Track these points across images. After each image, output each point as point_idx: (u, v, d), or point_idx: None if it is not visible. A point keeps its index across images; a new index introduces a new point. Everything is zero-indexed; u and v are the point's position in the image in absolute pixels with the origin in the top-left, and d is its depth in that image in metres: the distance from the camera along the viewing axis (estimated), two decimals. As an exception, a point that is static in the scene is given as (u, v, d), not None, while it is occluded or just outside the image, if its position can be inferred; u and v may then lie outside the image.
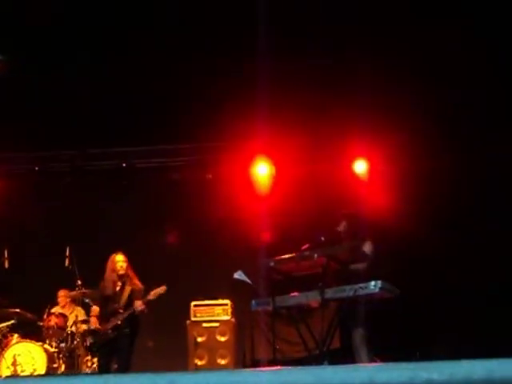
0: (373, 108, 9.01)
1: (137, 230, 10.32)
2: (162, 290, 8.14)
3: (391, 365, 2.27)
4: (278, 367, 2.26)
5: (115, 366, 8.11)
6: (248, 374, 2.19)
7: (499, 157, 9.33)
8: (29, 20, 8.43)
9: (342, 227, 7.82)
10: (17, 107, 9.32)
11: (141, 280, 8.47)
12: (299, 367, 2.24)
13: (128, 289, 8.27)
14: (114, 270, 8.33)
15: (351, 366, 2.27)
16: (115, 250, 8.50)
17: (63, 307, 9.72)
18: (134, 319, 8.22)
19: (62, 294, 9.70)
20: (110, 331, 8.17)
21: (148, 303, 8.19)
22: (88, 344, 8.45)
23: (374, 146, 9.97)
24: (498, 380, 2.21)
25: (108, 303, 8.28)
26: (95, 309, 8.48)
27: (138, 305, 8.11)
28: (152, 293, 8.12)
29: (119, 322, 8.15)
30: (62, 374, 8.84)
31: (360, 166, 10.34)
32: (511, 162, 9.26)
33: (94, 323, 8.41)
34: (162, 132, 10.06)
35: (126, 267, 8.29)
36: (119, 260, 8.34)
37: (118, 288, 8.29)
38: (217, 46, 8.91)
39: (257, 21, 8.01)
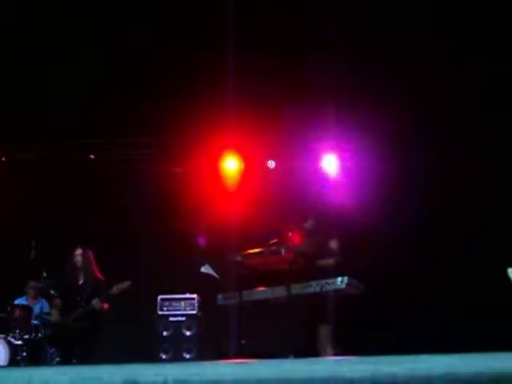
0: (341, 103, 9.02)
1: (104, 222, 10.25)
2: (125, 285, 8.18)
3: (353, 359, 2.27)
4: (240, 360, 2.24)
5: (77, 359, 8.16)
6: (208, 366, 2.17)
7: (473, 151, 9.41)
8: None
9: (308, 224, 7.84)
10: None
11: (107, 274, 8.50)
12: (261, 360, 2.23)
13: (89, 282, 8.34)
14: (72, 263, 8.46)
15: (313, 359, 2.27)
16: (80, 243, 8.54)
17: (30, 299, 9.62)
18: (96, 314, 8.24)
19: (32, 285, 9.60)
20: (70, 323, 8.21)
21: (111, 297, 8.24)
22: (47, 336, 8.49)
23: (342, 141, 10.01)
24: (458, 375, 2.22)
25: (70, 295, 8.34)
26: (56, 301, 8.53)
27: (96, 302, 8.18)
28: (115, 288, 8.18)
29: (80, 316, 8.22)
30: (25, 365, 8.75)
31: (328, 162, 10.36)
32: (482, 154, 9.35)
33: (55, 315, 8.52)
34: (129, 125, 9.99)
35: (83, 260, 8.38)
36: (76, 253, 8.49)
37: (79, 281, 8.39)
38: (187, 40, 8.88)
39: (224, 16, 8.03)
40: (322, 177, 10.26)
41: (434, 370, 2.20)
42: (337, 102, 8.95)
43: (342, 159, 10.25)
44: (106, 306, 8.33)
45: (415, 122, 9.36)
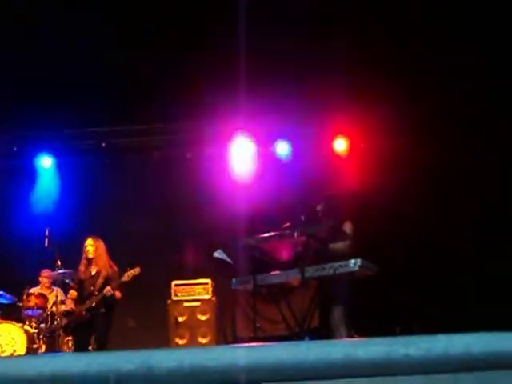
0: (353, 84, 8.97)
1: (117, 210, 10.28)
2: (135, 271, 8.30)
3: (368, 340, 2.25)
4: (255, 343, 2.24)
5: (93, 347, 8.28)
6: (224, 350, 2.17)
7: (483, 134, 9.34)
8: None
9: (321, 206, 7.83)
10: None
11: (120, 261, 8.56)
12: (276, 343, 2.22)
13: (102, 272, 8.41)
14: (84, 254, 8.54)
15: (328, 341, 2.25)
16: (93, 232, 8.64)
17: (43, 288, 9.67)
18: (109, 300, 8.33)
19: (45, 275, 9.66)
20: (84, 312, 8.32)
21: (123, 285, 8.33)
22: (63, 325, 8.59)
23: (354, 123, 9.95)
24: (476, 354, 2.21)
25: (84, 286, 8.44)
26: (72, 292, 8.64)
27: (107, 290, 8.27)
28: (126, 274, 8.31)
29: (94, 304, 8.32)
30: (42, 354, 8.82)
31: (340, 144, 10.33)
32: (490, 138, 9.29)
33: (69, 305, 8.67)
34: (140, 111, 9.98)
35: (95, 250, 8.45)
36: (87, 244, 8.55)
37: (92, 271, 8.46)
38: (198, 26, 8.84)
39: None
40: (333, 159, 10.22)
41: (450, 349, 2.18)
42: (349, 83, 8.89)
43: (353, 141, 10.20)
44: (118, 293, 8.39)
45: (432, 101, 9.27)
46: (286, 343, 2.20)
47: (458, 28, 8.55)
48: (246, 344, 2.30)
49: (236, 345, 2.06)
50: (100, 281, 8.41)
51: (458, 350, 2.20)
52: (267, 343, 2.26)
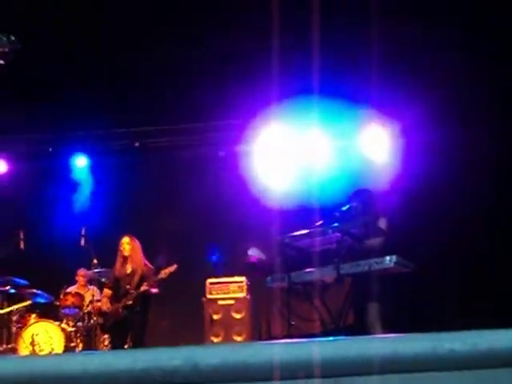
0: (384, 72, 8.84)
1: (152, 209, 10.35)
2: (172, 268, 8.38)
3: (413, 336, 2.24)
4: (295, 340, 2.24)
5: (129, 345, 8.34)
6: (266, 346, 2.17)
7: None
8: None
9: (356, 203, 7.79)
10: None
11: (156, 259, 8.63)
12: (317, 338, 2.22)
13: (138, 270, 8.48)
14: (120, 252, 8.69)
15: (369, 336, 2.25)
16: (129, 231, 8.67)
17: (80, 287, 9.78)
18: (145, 298, 8.40)
19: (82, 274, 9.76)
20: (120, 311, 8.37)
21: (161, 282, 8.40)
22: (99, 323, 8.69)
23: (387, 119, 9.87)
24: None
25: (120, 284, 8.51)
26: (107, 291, 8.73)
27: (144, 288, 8.39)
28: (163, 272, 8.38)
29: (130, 302, 8.38)
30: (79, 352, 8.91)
31: (374, 140, 10.23)
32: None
33: (105, 304, 8.74)
34: (173, 111, 10.03)
35: (131, 249, 8.52)
36: (123, 242, 8.72)
37: (128, 270, 8.53)
38: (230, 24, 8.83)
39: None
40: (368, 155, 10.14)
41: (496, 345, 2.16)
42: (380, 72, 8.79)
43: (388, 135, 10.09)
44: (154, 290, 8.46)
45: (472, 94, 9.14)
46: (331, 338, 2.20)
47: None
48: (288, 340, 2.29)
49: (278, 341, 2.05)
50: (136, 279, 8.49)
51: (504, 344, 2.18)
52: (311, 339, 2.25)
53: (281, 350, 2.17)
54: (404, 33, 8.59)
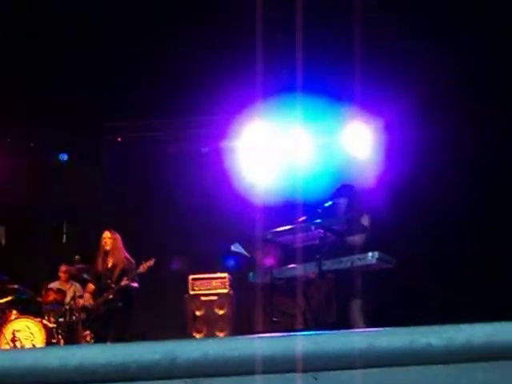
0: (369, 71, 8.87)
1: (134, 204, 10.32)
2: (150, 262, 8.35)
3: (390, 330, 2.25)
4: (277, 334, 2.25)
5: (112, 341, 8.31)
6: (246, 340, 2.18)
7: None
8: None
9: (338, 199, 7.81)
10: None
11: (137, 255, 8.61)
12: (298, 333, 2.23)
13: (119, 264, 8.48)
14: (101, 247, 8.65)
15: (349, 330, 2.27)
16: (110, 226, 8.70)
17: (62, 283, 9.74)
18: (127, 293, 8.39)
19: (64, 270, 9.72)
20: (101, 306, 8.34)
21: (140, 277, 8.39)
22: (81, 319, 8.66)
23: (371, 115, 9.91)
24: (498, 344, 2.20)
25: (101, 279, 8.50)
26: (90, 286, 8.70)
27: (124, 283, 8.38)
28: (141, 266, 8.34)
29: (111, 297, 8.40)
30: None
31: (357, 137, 10.26)
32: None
33: (88, 299, 8.74)
34: (156, 106, 10.00)
35: (112, 243, 8.52)
36: (105, 237, 8.68)
37: (109, 264, 8.52)
38: (216, 22, 8.82)
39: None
40: (351, 151, 10.17)
41: (473, 339, 2.18)
42: (363, 70, 8.81)
43: (371, 132, 10.13)
44: (135, 284, 8.45)
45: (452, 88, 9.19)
46: (309, 333, 2.21)
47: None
48: (269, 334, 2.30)
49: (259, 335, 2.06)
50: (117, 273, 8.49)
51: (480, 339, 2.20)
52: (290, 333, 2.27)
53: (260, 344, 2.18)
54: (386, 31, 8.61)
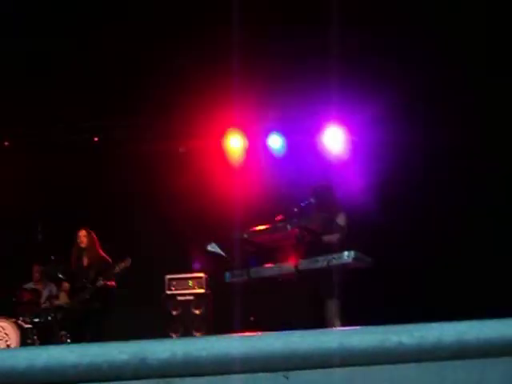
0: (349, 74, 8.91)
1: (110, 204, 10.26)
2: (126, 263, 8.28)
3: (362, 329, 2.25)
4: (248, 334, 2.24)
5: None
6: (216, 340, 2.16)
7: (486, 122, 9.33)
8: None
9: (314, 199, 7.82)
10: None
11: (113, 255, 8.56)
12: (269, 332, 2.22)
13: (95, 263, 8.42)
14: (76, 245, 8.61)
15: (321, 330, 2.26)
16: (86, 225, 8.68)
17: (36, 283, 9.66)
18: (104, 294, 8.32)
19: (37, 270, 9.64)
20: (78, 306, 8.28)
21: (116, 276, 8.34)
22: (58, 319, 8.58)
23: (346, 115, 9.94)
24: (469, 342, 2.21)
25: (77, 278, 8.43)
26: (64, 285, 8.63)
27: (99, 283, 8.32)
28: (116, 266, 8.27)
29: (87, 297, 8.33)
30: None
31: (333, 137, 10.30)
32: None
33: (63, 298, 8.69)
34: (132, 105, 9.95)
35: (88, 242, 8.47)
36: (80, 235, 8.64)
37: (84, 263, 8.46)
38: (189, 20, 8.80)
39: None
40: (327, 152, 10.20)
41: (443, 337, 2.19)
42: (340, 74, 8.85)
43: (346, 133, 10.18)
44: (111, 283, 8.39)
45: (425, 91, 9.26)
46: (280, 333, 2.20)
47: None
48: (240, 334, 2.29)
49: (230, 335, 2.05)
50: (92, 272, 8.42)
51: (451, 337, 2.20)
52: (260, 333, 2.25)
53: (230, 344, 2.17)
54: (362, 33, 8.67)
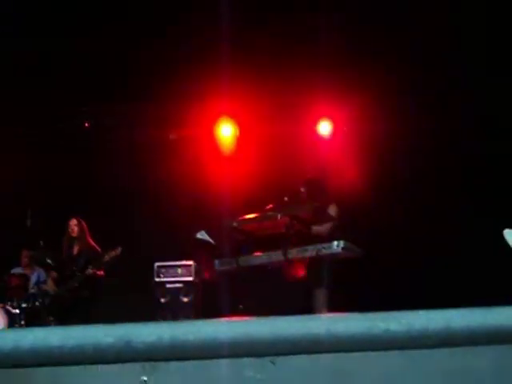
0: (337, 67, 8.93)
1: (99, 192, 10.22)
2: (116, 251, 8.27)
3: (349, 315, 2.25)
4: (236, 319, 2.24)
5: None
6: (203, 324, 2.15)
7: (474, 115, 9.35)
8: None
9: (305, 188, 7.82)
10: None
11: (103, 243, 8.55)
12: (257, 318, 2.21)
13: (84, 252, 8.41)
14: (67, 234, 8.58)
15: (308, 316, 2.25)
16: (76, 213, 8.66)
17: (25, 267, 9.63)
18: (92, 283, 8.32)
19: (25, 255, 9.62)
20: (66, 293, 8.27)
21: (105, 265, 8.33)
22: (46, 305, 8.57)
23: (338, 106, 9.94)
24: (456, 330, 2.21)
25: (66, 266, 8.42)
26: (53, 271, 8.67)
27: (88, 271, 8.30)
28: (106, 255, 8.26)
29: (76, 285, 8.30)
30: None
31: (324, 127, 10.30)
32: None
33: (51, 286, 8.66)
34: (124, 91, 9.90)
35: (78, 230, 8.45)
36: (71, 224, 8.59)
37: (74, 251, 8.45)
38: (179, 8, 8.77)
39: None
40: (318, 141, 10.20)
41: (430, 324, 2.18)
42: (332, 64, 8.85)
43: (338, 123, 10.18)
44: (101, 272, 8.38)
45: (415, 83, 9.26)
46: (268, 318, 2.19)
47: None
48: (227, 319, 2.29)
49: (217, 319, 2.05)
50: (82, 261, 8.42)
51: (439, 325, 2.20)
52: (248, 318, 2.25)
53: (216, 328, 2.16)
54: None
